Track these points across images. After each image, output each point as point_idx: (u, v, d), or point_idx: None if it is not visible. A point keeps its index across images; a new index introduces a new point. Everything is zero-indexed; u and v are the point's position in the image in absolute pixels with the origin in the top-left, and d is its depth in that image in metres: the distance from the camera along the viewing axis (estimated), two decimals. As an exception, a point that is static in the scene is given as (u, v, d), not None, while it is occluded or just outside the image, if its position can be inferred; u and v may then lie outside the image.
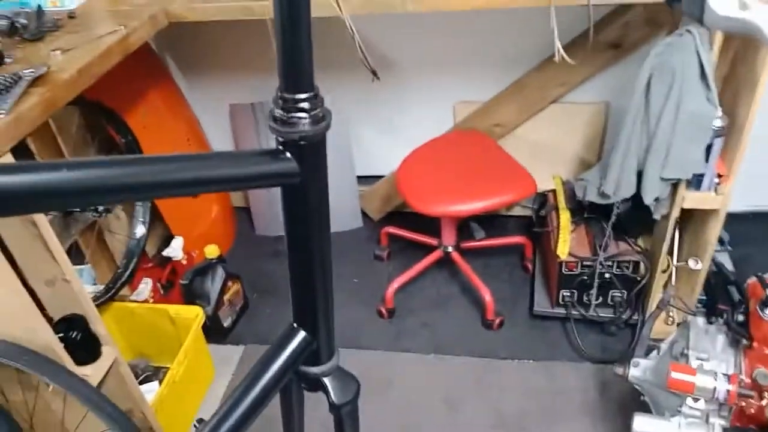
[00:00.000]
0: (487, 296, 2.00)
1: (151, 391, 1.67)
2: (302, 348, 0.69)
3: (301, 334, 0.69)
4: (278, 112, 0.55)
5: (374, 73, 0.57)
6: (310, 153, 0.57)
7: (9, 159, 1.12)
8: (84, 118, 1.92)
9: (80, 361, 1.30)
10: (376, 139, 2.48)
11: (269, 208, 2.52)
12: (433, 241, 2.21)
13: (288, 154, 0.55)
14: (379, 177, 2.51)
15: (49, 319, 1.27)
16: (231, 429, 0.63)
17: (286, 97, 0.54)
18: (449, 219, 2.10)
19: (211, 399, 1.87)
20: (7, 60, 1.37)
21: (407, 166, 2.06)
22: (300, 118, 0.54)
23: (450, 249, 2.16)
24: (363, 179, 2.53)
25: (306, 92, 0.54)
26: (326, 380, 0.72)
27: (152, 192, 0.65)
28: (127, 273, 1.94)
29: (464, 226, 2.35)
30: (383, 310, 2.11)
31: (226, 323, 2.08)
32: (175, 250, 2.09)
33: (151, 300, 2.04)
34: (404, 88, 2.33)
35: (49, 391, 1.22)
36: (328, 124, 0.56)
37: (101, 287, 1.92)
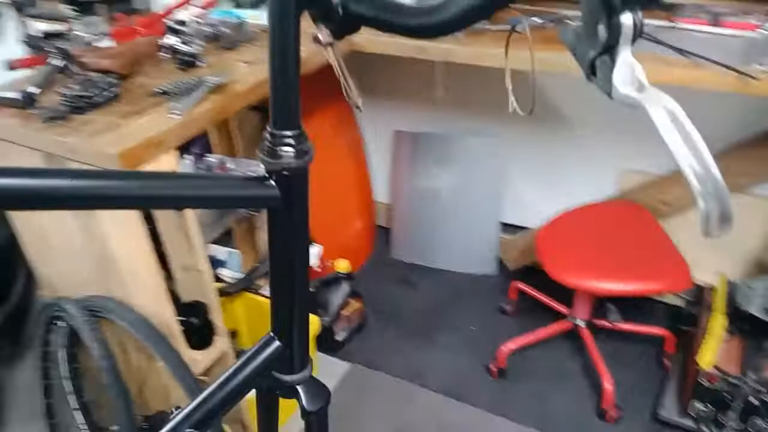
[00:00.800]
0: (608, 384, 1.84)
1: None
2: (276, 356, 0.74)
3: (276, 343, 0.74)
4: (267, 145, 0.62)
5: (357, 106, 0.57)
6: (293, 182, 0.64)
7: (174, 155, 1.26)
8: (261, 122, 2.11)
9: (194, 345, 1.42)
10: (529, 190, 2.40)
11: (410, 233, 2.56)
12: (565, 310, 2.08)
13: (272, 182, 0.63)
14: (525, 228, 2.43)
15: (176, 300, 1.41)
16: (202, 419, 0.70)
17: (274, 133, 0.61)
18: (584, 293, 1.96)
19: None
20: (199, 63, 1.54)
21: (554, 226, 1.96)
22: (285, 151, 0.61)
23: (581, 323, 2.02)
24: (508, 227, 2.47)
25: (292, 130, 0.62)
26: (299, 388, 0.77)
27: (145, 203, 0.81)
28: (264, 269, 2.08)
29: (602, 301, 2.18)
30: (493, 368, 2.03)
31: (340, 338, 2.15)
32: (313, 257, 2.21)
33: (279, 298, 2.16)
34: (571, 145, 2.22)
35: (160, 365, 1.35)
36: (311, 158, 0.64)
37: (241, 275, 2.08)
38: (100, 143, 1.15)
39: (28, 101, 1.29)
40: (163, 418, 1.54)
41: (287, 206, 0.65)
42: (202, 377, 1.43)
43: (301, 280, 0.71)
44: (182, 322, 1.37)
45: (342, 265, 2.13)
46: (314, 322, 1.92)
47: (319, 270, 2.21)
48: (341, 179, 2.49)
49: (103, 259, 1.32)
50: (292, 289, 0.71)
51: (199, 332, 1.44)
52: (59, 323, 1.53)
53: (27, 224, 1.48)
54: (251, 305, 2.06)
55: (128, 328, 1.31)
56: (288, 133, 0.62)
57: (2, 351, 1.89)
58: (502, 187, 2.36)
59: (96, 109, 1.28)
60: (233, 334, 1.87)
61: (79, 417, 1.68)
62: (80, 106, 1.26)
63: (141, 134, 1.18)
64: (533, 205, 2.36)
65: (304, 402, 0.74)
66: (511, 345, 2.01)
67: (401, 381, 2.01)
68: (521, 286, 2.25)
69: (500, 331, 2.17)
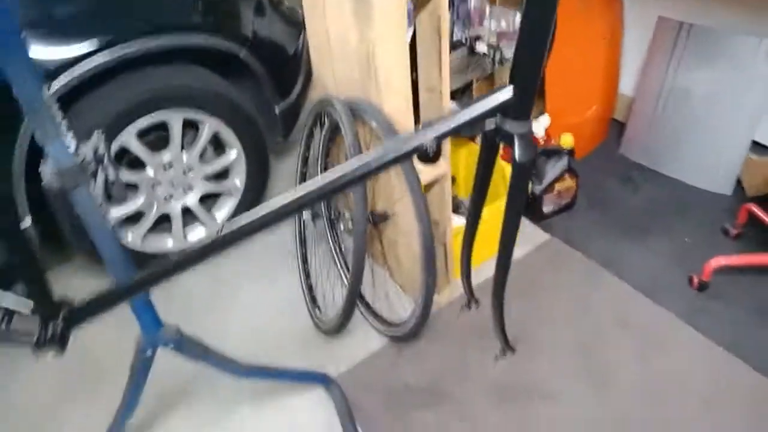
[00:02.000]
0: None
1: (458, 222, 1.97)
2: (507, 101, 0.87)
3: (510, 91, 0.87)
4: None
5: None
6: None
7: None
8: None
9: (422, 159, 1.64)
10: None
11: (646, 132, 2.46)
12: (798, 244, 1.90)
13: None
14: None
15: (417, 119, 1.62)
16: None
17: None
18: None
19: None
20: None
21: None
22: None
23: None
24: (759, 147, 2.25)
25: None
26: (516, 138, 0.90)
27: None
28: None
29: None
30: (696, 279, 1.96)
31: (546, 209, 2.23)
32: (540, 126, 2.27)
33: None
34: None
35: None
36: None
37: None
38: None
39: None
40: (386, 216, 1.82)
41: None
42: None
43: (545, 34, 0.82)
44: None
45: (566, 140, 2.17)
46: (527, 185, 2.03)
47: (542, 141, 2.28)
48: (590, 61, 2.45)
49: (368, 64, 1.55)
50: (536, 41, 0.82)
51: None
52: (324, 118, 1.85)
53: (316, 30, 1.77)
54: (472, 153, 2.22)
55: (377, 129, 1.55)
56: None
57: (276, 144, 2.34)
58: (765, 101, 2.12)
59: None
60: (452, 180, 2.07)
61: (323, 204, 2.06)
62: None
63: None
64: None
65: (516, 151, 0.88)
66: (722, 260, 1.91)
67: (596, 265, 2.06)
68: (755, 209, 2.07)
69: (716, 250, 2.06)
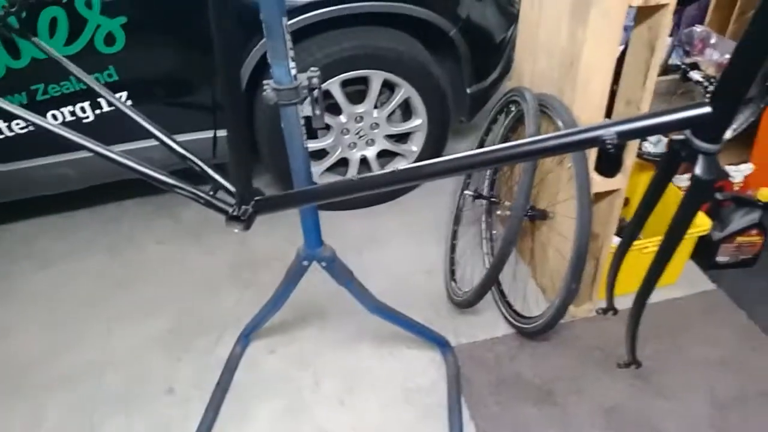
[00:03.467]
0: None
1: (615, 241, 1.91)
2: (701, 117, 0.84)
3: (708, 109, 0.83)
4: None
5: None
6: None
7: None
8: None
9: (597, 169, 1.62)
10: None
11: None
12: None
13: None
14: None
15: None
16: (628, 133, 0.87)
17: None
18: None
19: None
20: None
21: None
22: None
23: None
24: None
25: None
26: (700, 157, 0.87)
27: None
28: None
29: None
30: None
31: (720, 259, 2.08)
32: (740, 172, 2.11)
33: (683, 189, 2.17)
34: None
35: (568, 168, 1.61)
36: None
37: (661, 151, 2.14)
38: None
39: None
40: (545, 215, 1.84)
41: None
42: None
43: (760, 58, 0.78)
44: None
45: (764, 194, 1.99)
46: (705, 228, 1.90)
47: (737, 188, 2.12)
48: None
49: (570, 64, 1.57)
50: (750, 63, 0.79)
51: (608, 160, 1.62)
52: (512, 107, 1.91)
53: (528, 23, 1.82)
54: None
55: (561, 127, 1.57)
56: None
57: (459, 122, 2.44)
58: None
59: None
60: (625, 201, 2.00)
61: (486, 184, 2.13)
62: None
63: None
64: None
65: (698, 168, 0.87)
66: None
67: (759, 331, 1.88)
68: None
69: None
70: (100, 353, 1.85)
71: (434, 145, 2.34)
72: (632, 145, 1.62)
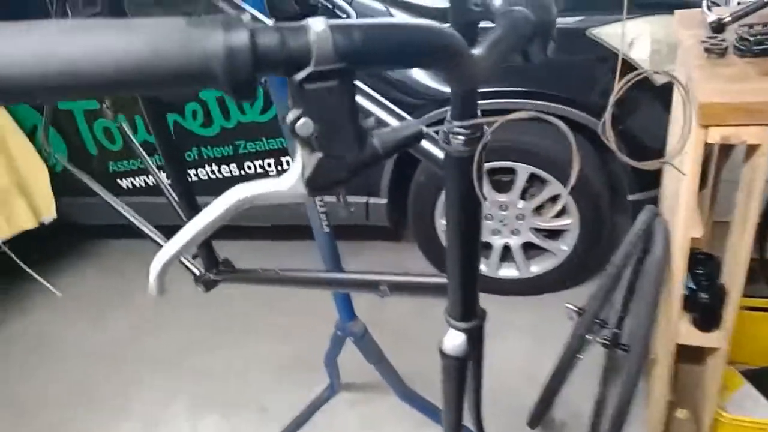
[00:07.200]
0: None
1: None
2: None
3: None
4: None
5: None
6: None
7: None
8: None
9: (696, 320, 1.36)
10: None
11: None
12: None
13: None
14: None
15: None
16: None
17: None
18: None
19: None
20: None
21: None
22: None
23: None
24: None
25: None
26: None
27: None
28: None
29: None
30: None
31: None
32: None
33: None
34: None
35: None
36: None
37: None
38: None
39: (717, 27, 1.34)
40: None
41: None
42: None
43: None
44: (692, 276, 1.31)
45: None
46: None
47: None
48: None
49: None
50: None
51: (706, 311, 1.34)
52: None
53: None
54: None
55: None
56: None
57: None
58: None
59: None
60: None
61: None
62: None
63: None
64: None
65: None
66: None
67: None
68: None
69: None
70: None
71: (586, 248, 2.18)
72: (732, 302, 1.31)
